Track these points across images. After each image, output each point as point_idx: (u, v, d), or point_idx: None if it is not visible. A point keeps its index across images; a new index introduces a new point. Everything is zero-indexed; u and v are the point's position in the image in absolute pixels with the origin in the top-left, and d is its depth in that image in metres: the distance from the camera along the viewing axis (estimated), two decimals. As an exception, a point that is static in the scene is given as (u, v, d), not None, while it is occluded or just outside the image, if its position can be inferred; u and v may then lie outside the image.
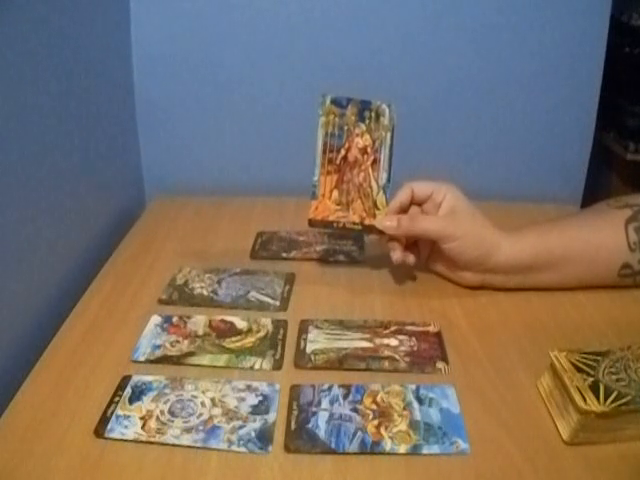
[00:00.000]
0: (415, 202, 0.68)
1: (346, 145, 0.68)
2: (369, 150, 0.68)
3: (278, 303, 0.68)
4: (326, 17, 0.90)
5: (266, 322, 0.64)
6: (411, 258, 0.68)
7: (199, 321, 0.64)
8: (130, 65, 0.92)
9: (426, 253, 0.70)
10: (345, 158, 0.68)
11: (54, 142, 0.69)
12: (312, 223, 0.69)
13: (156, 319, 0.64)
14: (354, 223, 0.68)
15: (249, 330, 0.63)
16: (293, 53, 0.91)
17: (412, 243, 0.69)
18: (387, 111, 0.68)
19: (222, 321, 0.64)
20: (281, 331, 0.63)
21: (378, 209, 0.68)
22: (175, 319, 0.64)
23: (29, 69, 0.63)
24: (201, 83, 0.93)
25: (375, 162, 0.68)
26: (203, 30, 0.90)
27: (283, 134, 0.95)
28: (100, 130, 0.82)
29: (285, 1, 0.89)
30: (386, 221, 0.67)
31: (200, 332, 0.62)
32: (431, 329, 0.63)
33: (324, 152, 0.68)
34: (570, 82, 0.93)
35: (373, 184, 0.68)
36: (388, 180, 0.69)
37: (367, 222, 0.68)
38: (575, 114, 0.94)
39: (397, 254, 0.67)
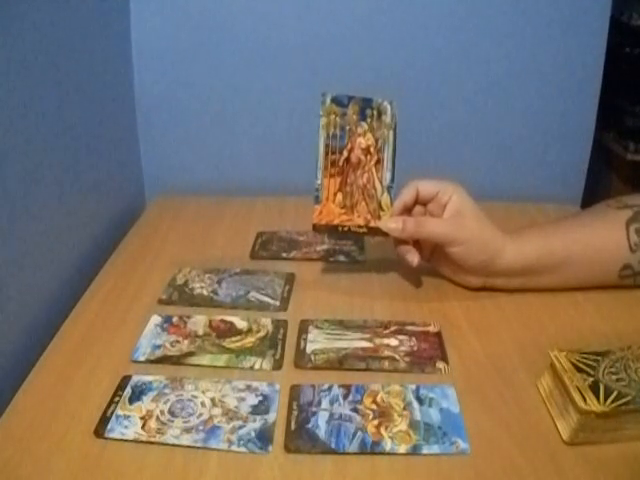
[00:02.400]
0: (420, 202, 0.67)
1: (348, 146, 0.67)
2: (372, 150, 0.67)
3: (278, 303, 0.68)
4: (326, 16, 0.90)
5: (266, 322, 0.64)
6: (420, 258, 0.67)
7: (199, 321, 0.64)
8: (130, 65, 0.92)
9: (428, 252, 0.69)
10: (348, 159, 0.67)
11: (54, 142, 0.69)
12: (316, 228, 0.68)
13: (156, 319, 0.64)
14: (359, 226, 0.68)
15: (249, 330, 0.63)
16: (293, 53, 0.91)
17: (414, 242, 0.69)
18: (389, 108, 0.67)
19: (222, 321, 0.64)
20: (281, 331, 0.63)
21: (383, 210, 0.67)
22: (175, 319, 0.64)
23: (29, 70, 0.63)
24: (201, 83, 0.93)
25: (378, 162, 0.68)
26: (203, 30, 0.90)
27: (283, 134, 0.95)
28: (100, 130, 0.82)
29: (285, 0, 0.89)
30: (391, 223, 0.66)
31: (200, 332, 0.62)
32: (431, 329, 0.63)
33: (326, 154, 0.67)
34: (570, 82, 0.93)
35: (377, 185, 0.68)
36: (392, 180, 0.68)
37: (372, 224, 0.67)
38: (575, 114, 0.94)
39: (415, 257, 0.66)
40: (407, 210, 0.67)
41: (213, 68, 0.92)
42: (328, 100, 0.67)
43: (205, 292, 0.69)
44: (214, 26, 0.90)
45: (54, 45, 0.68)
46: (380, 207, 0.68)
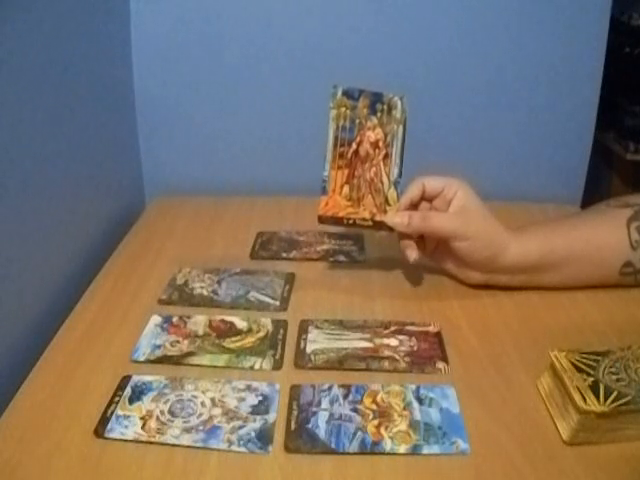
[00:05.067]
0: (425, 198, 0.67)
1: (357, 139, 0.67)
2: (381, 144, 0.67)
3: (278, 303, 0.67)
4: (331, 11, 0.90)
5: (266, 322, 0.64)
6: (420, 255, 0.67)
7: (199, 321, 0.64)
8: (130, 65, 0.92)
9: (431, 248, 0.69)
10: (356, 152, 0.67)
11: (54, 142, 0.69)
12: (322, 219, 0.67)
13: (156, 319, 0.64)
14: (364, 219, 0.67)
15: (249, 330, 0.63)
16: (294, 53, 0.91)
17: (418, 237, 0.69)
18: (399, 104, 0.67)
19: (222, 321, 0.64)
20: (281, 331, 0.63)
21: (389, 205, 0.67)
22: (175, 319, 0.64)
23: (29, 70, 0.63)
24: (201, 83, 0.93)
25: (387, 157, 0.67)
26: (203, 30, 0.90)
27: (283, 134, 0.95)
28: (100, 130, 0.82)
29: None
30: (397, 218, 0.66)
31: (200, 332, 0.62)
32: (431, 329, 0.63)
33: (335, 146, 0.67)
34: (570, 82, 0.93)
35: (384, 179, 0.67)
36: (399, 175, 0.68)
37: (378, 218, 0.67)
38: (575, 114, 0.94)
39: (414, 253, 0.66)
40: (413, 206, 0.67)
41: (213, 68, 0.92)
42: (339, 93, 0.67)
43: (205, 292, 0.69)
44: (214, 26, 0.90)
45: (54, 45, 0.68)
46: (387, 201, 0.67)
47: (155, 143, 0.97)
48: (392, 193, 0.67)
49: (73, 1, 0.73)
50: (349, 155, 0.67)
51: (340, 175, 0.67)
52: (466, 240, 0.65)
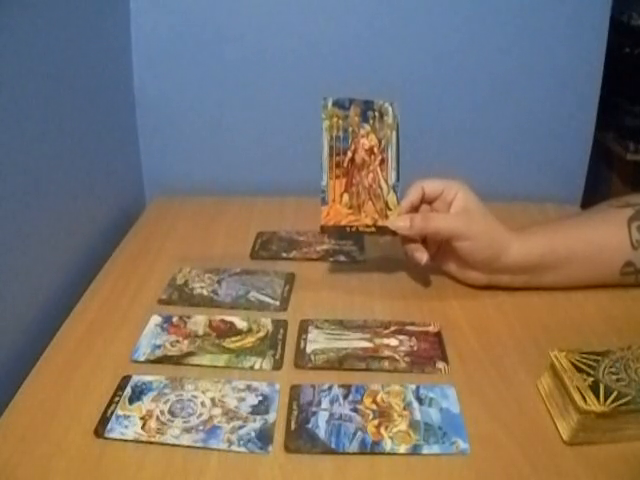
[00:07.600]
0: (426, 200, 0.68)
1: (352, 147, 0.67)
2: (376, 150, 0.68)
3: (278, 303, 0.68)
4: (328, 17, 0.90)
5: (266, 322, 0.64)
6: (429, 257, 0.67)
7: (199, 321, 0.64)
8: (130, 65, 0.92)
9: (433, 250, 0.69)
10: (352, 160, 0.67)
11: (53, 143, 0.69)
12: (324, 229, 0.68)
13: (156, 319, 0.64)
14: (367, 226, 0.67)
15: (249, 330, 0.63)
16: (293, 53, 0.91)
17: (421, 240, 0.69)
18: (390, 109, 0.68)
19: (222, 321, 0.64)
20: (281, 331, 0.63)
21: (390, 209, 0.68)
22: (175, 319, 0.64)
23: (28, 69, 0.63)
24: (201, 83, 0.93)
25: (383, 162, 0.68)
26: (203, 30, 0.90)
27: (283, 134, 0.95)
28: (100, 130, 0.82)
29: (286, 0, 0.89)
30: (399, 222, 0.66)
31: (200, 332, 0.62)
32: (431, 329, 0.63)
33: (330, 156, 0.67)
34: (570, 82, 0.93)
35: (383, 184, 0.68)
36: (397, 179, 0.68)
37: (380, 224, 0.67)
38: (575, 114, 0.94)
39: (424, 256, 0.66)
40: (414, 209, 0.67)
41: (213, 68, 0.92)
42: (329, 104, 0.67)
43: (205, 292, 0.69)
44: (214, 26, 0.90)
45: (54, 45, 0.68)
46: (387, 206, 0.68)
47: (155, 143, 0.97)
48: (392, 197, 0.68)
49: (73, 1, 0.73)
50: (345, 164, 0.67)
51: (338, 184, 0.67)
52: (468, 240, 0.65)
